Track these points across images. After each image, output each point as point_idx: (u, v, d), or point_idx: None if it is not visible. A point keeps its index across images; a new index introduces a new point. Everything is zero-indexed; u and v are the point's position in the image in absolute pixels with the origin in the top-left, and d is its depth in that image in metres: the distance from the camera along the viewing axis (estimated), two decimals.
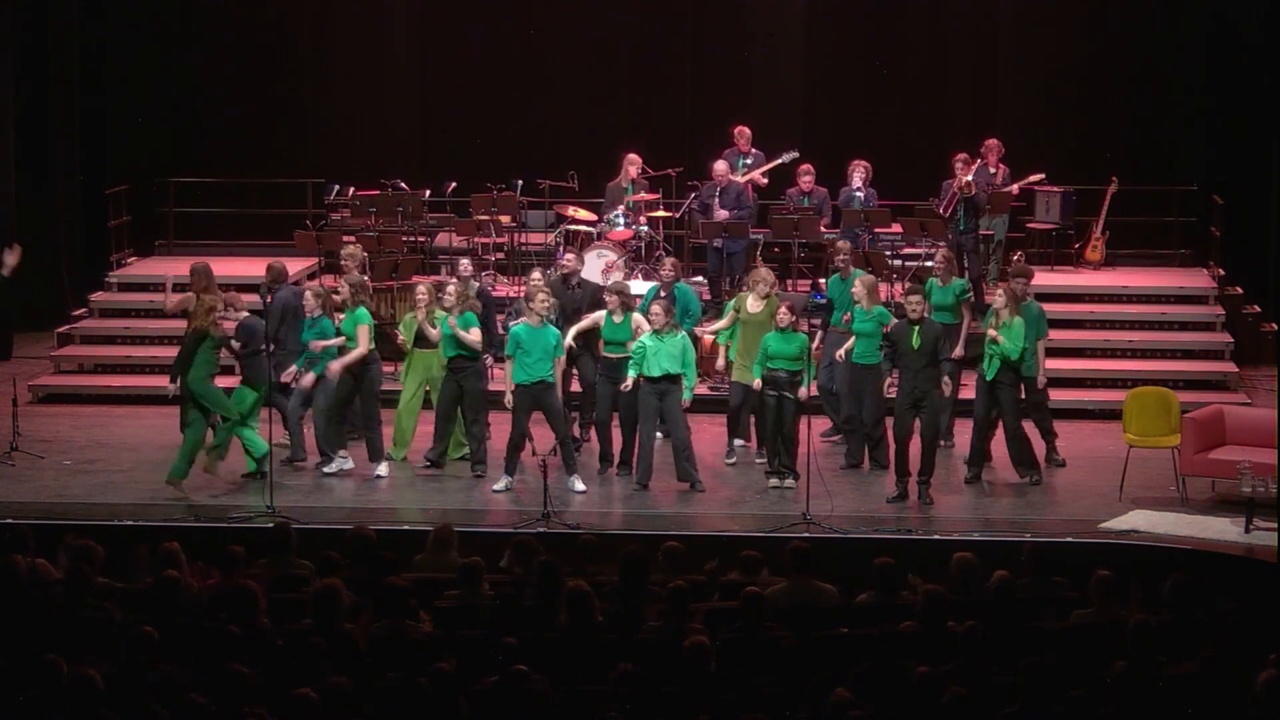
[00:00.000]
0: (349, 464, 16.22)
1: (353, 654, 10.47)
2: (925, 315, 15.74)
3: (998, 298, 16.22)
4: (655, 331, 15.78)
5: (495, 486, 15.82)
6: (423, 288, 16.53)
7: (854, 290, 16.50)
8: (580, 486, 15.83)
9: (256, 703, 9.60)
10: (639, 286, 18.74)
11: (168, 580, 11.15)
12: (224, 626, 10.67)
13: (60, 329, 20.33)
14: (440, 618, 11.35)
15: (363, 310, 16.19)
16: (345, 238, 20.54)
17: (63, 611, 11.19)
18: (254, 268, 18.38)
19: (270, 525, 13.77)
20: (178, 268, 17.59)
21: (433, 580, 12.04)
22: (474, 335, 16.04)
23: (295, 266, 20.23)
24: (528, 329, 15.71)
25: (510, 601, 11.58)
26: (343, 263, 17.64)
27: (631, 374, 15.83)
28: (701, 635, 10.50)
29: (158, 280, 19.22)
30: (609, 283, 17.20)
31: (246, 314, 16.31)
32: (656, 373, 15.76)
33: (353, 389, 16.16)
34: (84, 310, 20.64)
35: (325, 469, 16.22)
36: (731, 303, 16.99)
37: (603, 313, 16.35)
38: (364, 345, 16.02)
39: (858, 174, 20.28)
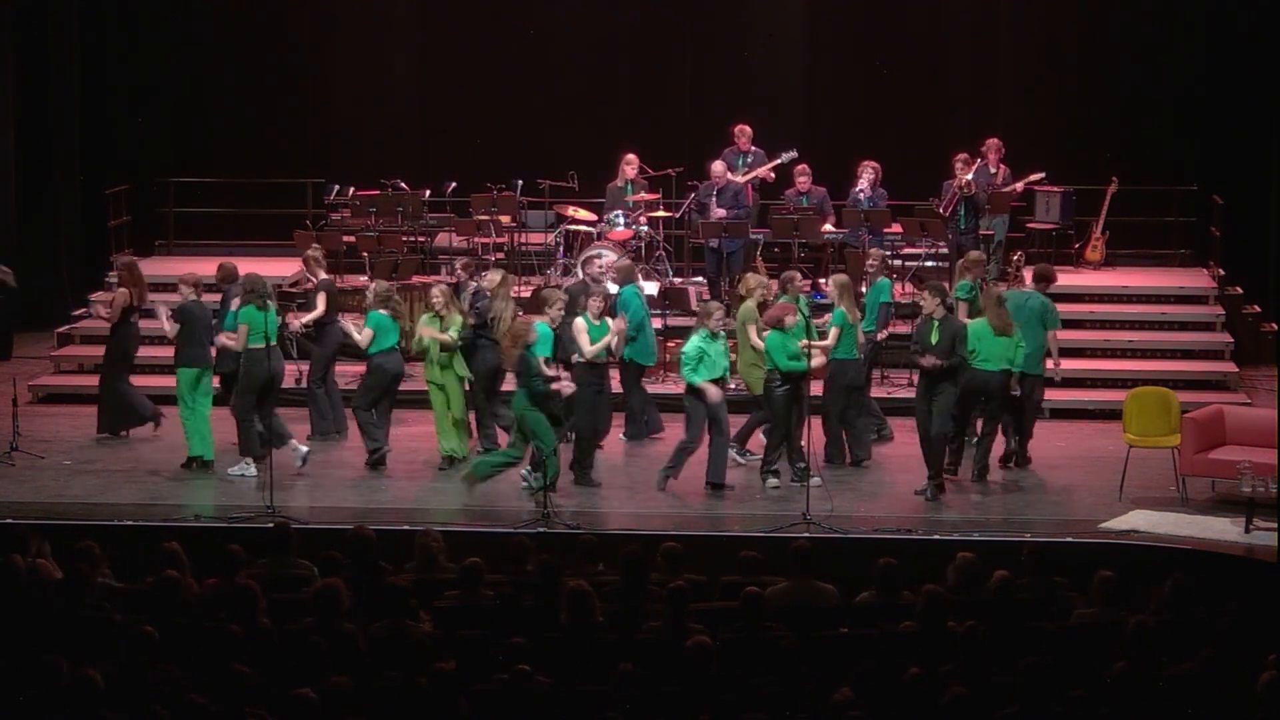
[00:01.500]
0: (251, 470, 16.21)
1: (353, 654, 10.47)
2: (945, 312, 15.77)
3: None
4: (711, 334, 15.78)
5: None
6: (437, 290, 16.57)
7: (827, 288, 16.60)
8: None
9: (256, 703, 9.60)
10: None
11: (168, 580, 11.15)
12: (224, 626, 10.67)
13: (60, 329, 20.33)
14: (440, 618, 11.35)
15: (246, 309, 16.18)
16: (346, 238, 20.63)
17: (63, 611, 11.19)
18: (254, 268, 18.35)
19: (270, 525, 13.77)
20: (178, 268, 17.64)
21: (433, 580, 12.05)
22: (364, 335, 16.35)
23: (295, 266, 20.29)
24: (546, 329, 15.76)
25: (510, 602, 11.58)
26: (302, 265, 17.68)
27: (701, 378, 15.65)
28: (703, 635, 10.50)
29: (158, 280, 19.21)
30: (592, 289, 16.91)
31: (192, 299, 16.59)
32: (719, 374, 15.78)
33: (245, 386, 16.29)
34: (84, 310, 20.63)
35: (229, 469, 16.31)
36: (739, 315, 16.91)
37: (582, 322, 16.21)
38: (240, 342, 16.10)
39: (866, 175, 20.30)
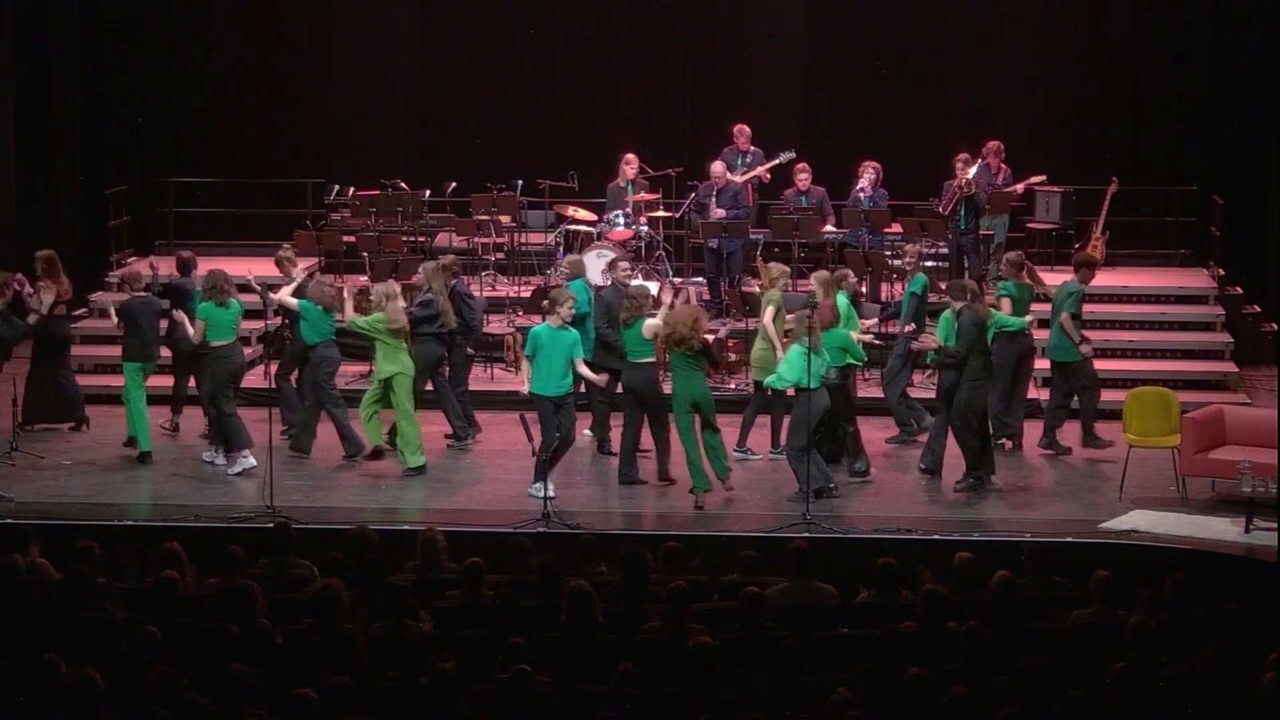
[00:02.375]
0: (251, 462, 16.41)
1: (353, 654, 10.47)
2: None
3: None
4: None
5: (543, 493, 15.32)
6: (377, 287, 16.66)
7: (810, 286, 16.54)
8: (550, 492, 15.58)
9: (256, 703, 9.60)
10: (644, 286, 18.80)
11: (167, 580, 11.15)
12: (224, 626, 10.67)
13: None
14: (440, 618, 11.35)
15: (204, 305, 16.43)
16: (346, 238, 20.64)
17: (63, 611, 11.20)
18: (255, 268, 18.41)
19: (270, 525, 13.77)
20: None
21: (433, 580, 12.05)
22: (286, 295, 16.76)
23: (296, 266, 20.31)
24: (549, 330, 15.61)
25: (510, 602, 11.58)
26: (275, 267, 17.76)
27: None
28: (705, 636, 10.50)
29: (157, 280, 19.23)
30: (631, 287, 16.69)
31: (131, 296, 16.91)
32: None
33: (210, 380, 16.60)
34: (84, 310, 20.60)
35: (229, 469, 16.47)
36: (763, 303, 16.87)
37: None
38: (197, 337, 16.42)
39: (866, 174, 20.32)
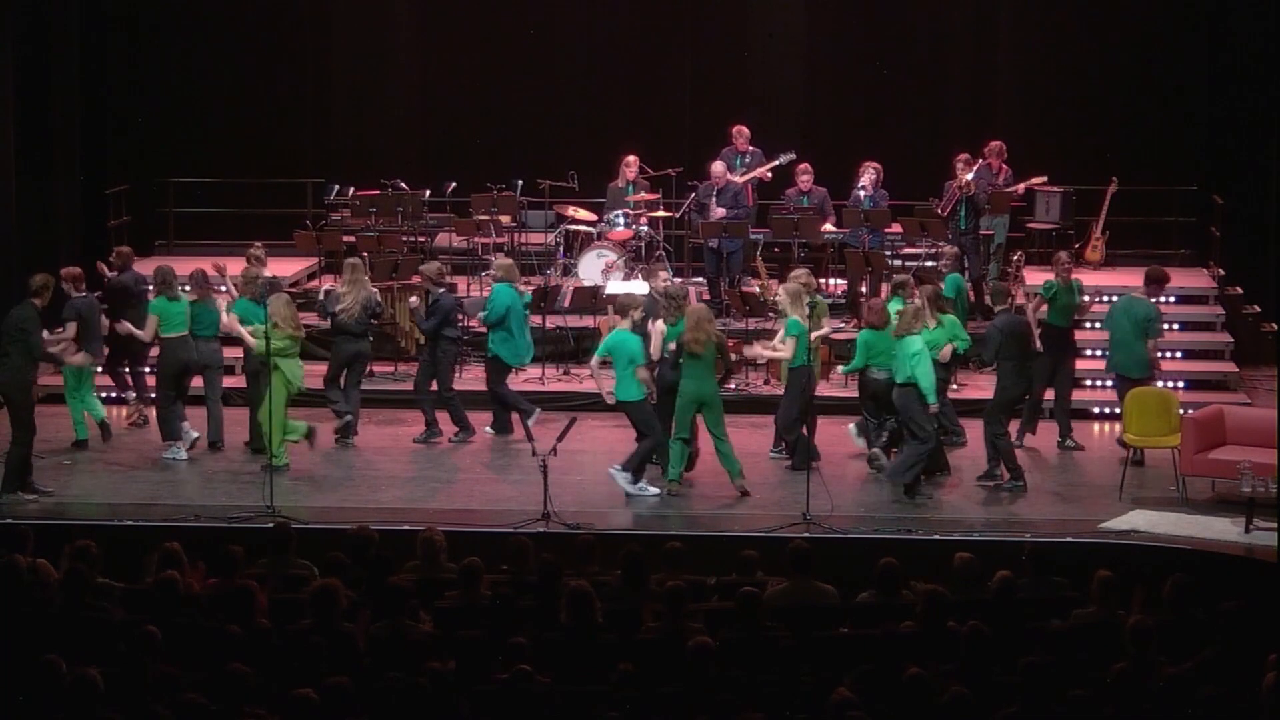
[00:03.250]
0: (181, 453, 16.74)
1: (353, 654, 10.47)
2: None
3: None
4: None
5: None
6: (280, 300, 16.55)
7: (777, 297, 16.46)
8: (653, 490, 15.74)
9: (256, 703, 9.61)
10: (639, 287, 18.80)
11: (168, 580, 11.15)
12: (224, 626, 10.67)
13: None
14: (440, 618, 11.35)
15: (157, 300, 16.87)
16: (346, 238, 20.61)
17: (63, 611, 11.19)
18: (230, 266, 18.45)
19: (270, 525, 13.77)
20: (179, 268, 17.61)
21: (433, 580, 12.05)
22: (230, 318, 16.70)
23: (295, 266, 20.35)
24: (623, 334, 15.68)
25: (510, 602, 11.59)
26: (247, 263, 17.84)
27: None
28: (704, 636, 10.50)
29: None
30: (668, 288, 16.63)
31: (75, 295, 17.04)
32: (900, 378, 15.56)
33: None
34: None
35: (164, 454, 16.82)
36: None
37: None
38: (149, 333, 16.94)
39: (867, 175, 20.32)
